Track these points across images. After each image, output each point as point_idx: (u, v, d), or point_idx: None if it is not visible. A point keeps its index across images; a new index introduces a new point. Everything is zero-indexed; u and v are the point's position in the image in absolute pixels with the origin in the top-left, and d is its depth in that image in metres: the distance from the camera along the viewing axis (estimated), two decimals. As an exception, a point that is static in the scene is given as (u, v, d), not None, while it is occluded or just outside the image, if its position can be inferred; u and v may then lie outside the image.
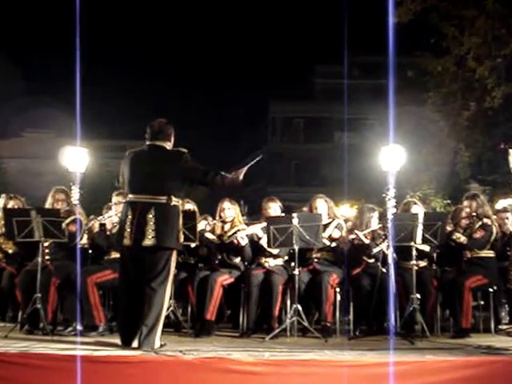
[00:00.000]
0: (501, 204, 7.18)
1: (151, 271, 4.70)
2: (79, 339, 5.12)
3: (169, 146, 4.97)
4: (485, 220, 6.08)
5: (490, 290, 6.04)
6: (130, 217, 4.74)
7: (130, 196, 4.84)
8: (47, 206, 6.16)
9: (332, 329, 5.99)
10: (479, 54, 13.08)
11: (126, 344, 4.67)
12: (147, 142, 4.97)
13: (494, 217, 6.35)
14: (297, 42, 52.62)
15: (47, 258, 5.92)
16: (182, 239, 4.94)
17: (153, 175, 4.78)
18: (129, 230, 4.72)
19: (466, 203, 6.26)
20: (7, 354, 4.13)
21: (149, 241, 4.67)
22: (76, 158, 7.00)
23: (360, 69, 33.55)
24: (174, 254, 4.85)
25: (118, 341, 4.81)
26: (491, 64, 12.93)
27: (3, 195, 6.80)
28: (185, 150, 4.89)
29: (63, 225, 5.70)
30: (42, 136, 30.38)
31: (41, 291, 5.52)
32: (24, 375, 3.92)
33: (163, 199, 4.73)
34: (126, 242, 4.75)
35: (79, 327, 5.58)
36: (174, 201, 4.78)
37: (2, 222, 6.02)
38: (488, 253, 6.09)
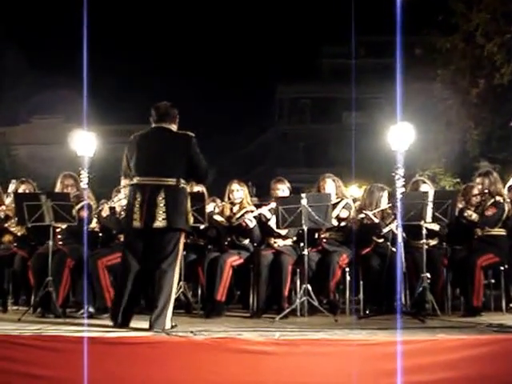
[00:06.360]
0: (512, 181, 7.09)
1: (161, 253, 4.72)
2: (91, 321, 5.18)
3: (174, 128, 4.96)
4: (497, 198, 6.03)
5: (502, 268, 6.01)
6: (139, 199, 4.72)
7: (138, 178, 4.80)
8: (57, 191, 6.19)
9: (338, 304, 6.08)
10: (488, 31, 12.94)
11: (121, 325, 4.69)
12: (153, 125, 4.95)
13: (506, 194, 6.30)
14: (303, 23, 52.17)
15: (60, 243, 5.97)
16: (191, 221, 4.96)
17: (161, 157, 4.77)
18: (138, 212, 4.71)
19: (478, 180, 6.21)
20: (21, 336, 4.17)
21: (160, 222, 4.67)
22: (84, 142, 7.02)
23: (366, 48, 33.24)
24: (183, 235, 4.88)
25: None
26: (500, 40, 12.79)
27: (14, 180, 6.84)
28: (192, 134, 4.87)
29: (74, 211, 5.74)
30: (50, 121, 30.38)
31: (54, 274, 5.59)
32: (37, 357, 3.96)
33: (172, 181, 4.73)
34: (136, 224, 4.73)
35: (91, 309, 5.65)
36: (182, 183, 4.79)
37: (13, 206, 6.06)
38: (499, 231, 6.05)
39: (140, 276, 4.77)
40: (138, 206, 4.72)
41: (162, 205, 4.67)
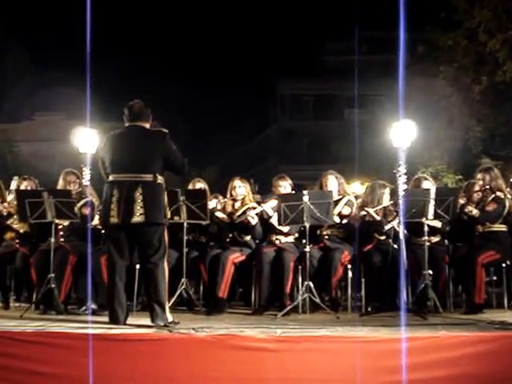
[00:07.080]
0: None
1: (148, 248, 4.77)
2: (93, 318, 5.18)
3: (148, 126, 5.03)
4: (498, 193, 6.02)
5: (503, 265, 6.00)
6: (116, 196, 4.76)
7: (115, 175, 4.84)
8: (59, 188, 6.19)
9: (340, 301, 6.07)
10: (490, 28, 12.93)
11: (122, 322, 4.74)
12: (127, 124, 5.00)
13: (508, 190, 6.29)
14: (306, 19, 52.15)
15: (62, 240, 5.98)
16: (168, 215, 5.04)
17: (137, 154, 4.82)
18: (116, 208, 4.75)
19: (479, 176, 6.19)
20: (23, 333, 4.18)
21: (137, 218, 4.71)
22: (87, 139, 7.03)
23: (369, 45, 33.20)
24: (166, 229, 4.92)
25: (131, 320, 4.86)
26: (502, 37, 12.78)
27: (16, 177, 6.84)
28: (166, 131, 4.93)
29: (76, 208, 5.75)
30: (52, 118, 30.35)
31: (56, 271, 5.61)
32: (39, 354, 3.98)
33: (149, 177, 4.77)
34: (114, 220, 4.77)
35: (93, 306, 5.65)
36: (159, 179, 4.83)
37: (15, 203, 6.07)
38: (500, 227, 6.04)
39: (128, 272, 4.85)
40: (115, 202, 4.76)
41: (139, 200, 4.72)
